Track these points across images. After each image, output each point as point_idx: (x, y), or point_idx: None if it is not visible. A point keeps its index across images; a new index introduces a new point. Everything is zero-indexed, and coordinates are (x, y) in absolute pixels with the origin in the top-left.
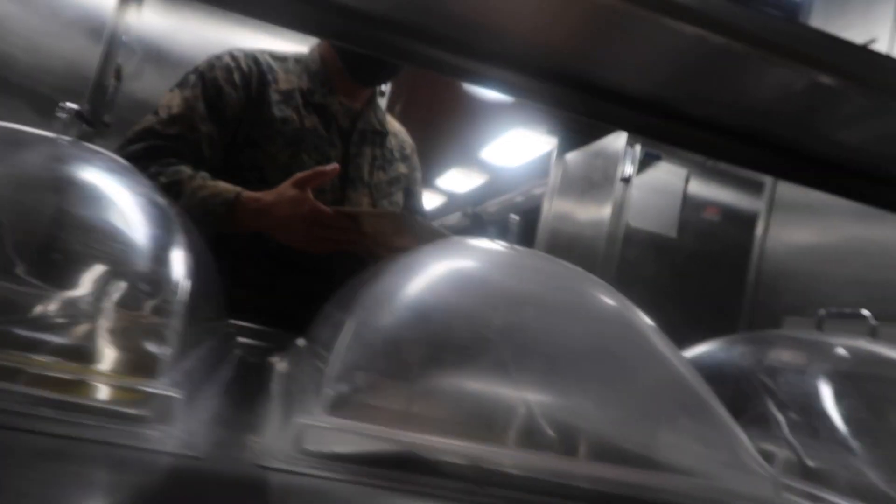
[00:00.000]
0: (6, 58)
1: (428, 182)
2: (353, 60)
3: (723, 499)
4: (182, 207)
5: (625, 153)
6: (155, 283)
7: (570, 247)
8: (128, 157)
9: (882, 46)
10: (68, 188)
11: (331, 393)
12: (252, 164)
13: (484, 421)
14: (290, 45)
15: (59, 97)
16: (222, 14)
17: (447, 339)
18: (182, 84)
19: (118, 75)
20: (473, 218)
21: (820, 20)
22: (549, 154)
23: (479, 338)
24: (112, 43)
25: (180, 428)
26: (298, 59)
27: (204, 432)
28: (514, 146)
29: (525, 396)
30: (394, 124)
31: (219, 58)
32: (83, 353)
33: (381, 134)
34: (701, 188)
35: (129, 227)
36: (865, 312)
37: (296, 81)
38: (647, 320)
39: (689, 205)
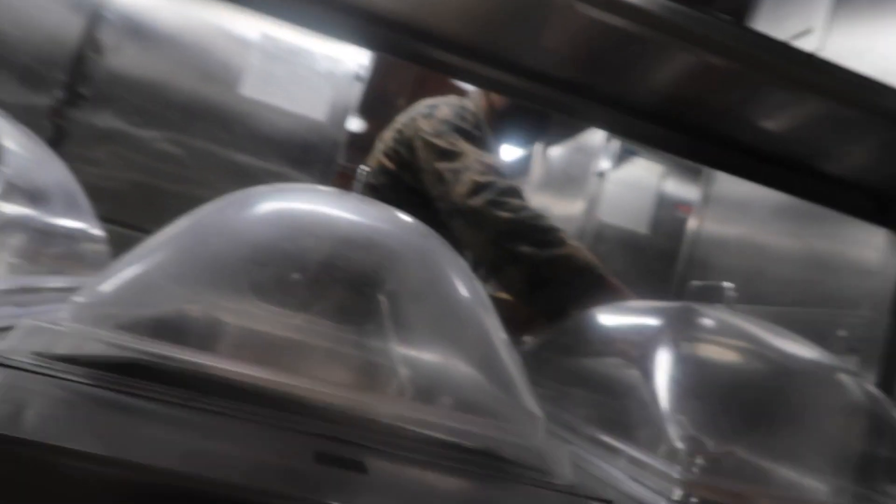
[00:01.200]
0: None
1: None
2: (508, 129)
3: (486, 433)
4: (556, 255)
5: (601, 148)
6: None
7: None
8: (502, 191)
9: (816, 37)
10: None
11: (78, 300)
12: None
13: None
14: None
15: (41, 69)
16: None
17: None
18: (469, 137)
19: (98, 49)
20: None
21: (759, 10)
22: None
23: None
24: (93, 17)
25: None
26: (471, 111)
27: None
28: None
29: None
30: None
31: (461, 106)
32: None
33: None
34: (676, 186)
35: None
36: (726, 284)
37: (473, 126)
38: (460, 262)
39: (663, 202)
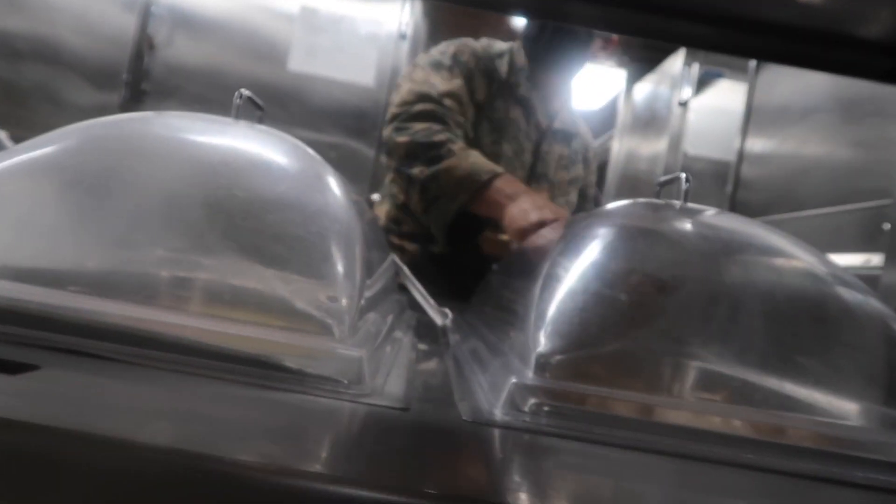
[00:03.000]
0: (58, 39)
1: None
2: (541, 58)
3: (270, 340)
4: (437, 172)
5: (682, 75)
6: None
7: (634, 188)
8: (409, 117)
9: None
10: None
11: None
12: (476, 227)
13: None
14: None
15: (106, 70)
16: None
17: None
18: (436, 65)
19: (151, 44)
20: None
21: None
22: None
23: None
24: (144, 15)
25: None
26: (510, 52)
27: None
28: (589, 86)
29: None
30: (580, 125)
31: (465, 44)
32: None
33: (571, 134)
34: None
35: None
36: (681, 175)
37: (507, 73)
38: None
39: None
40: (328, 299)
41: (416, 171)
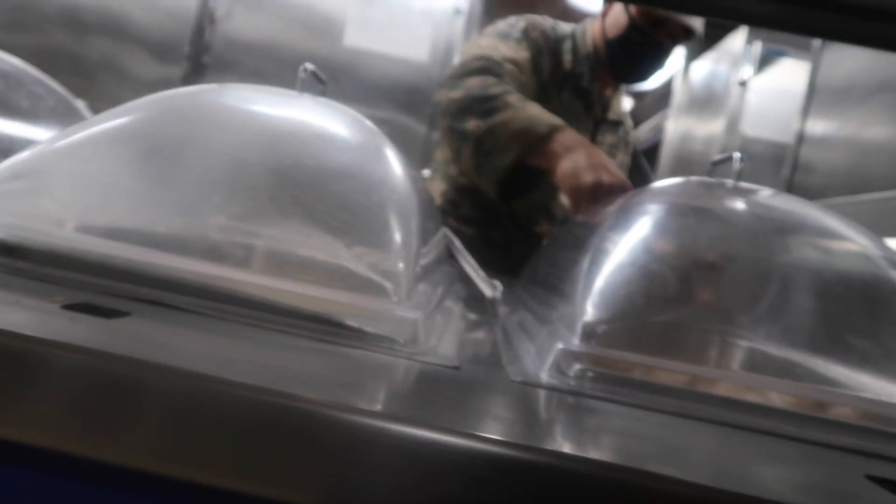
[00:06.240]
0: (123, 13)
1: None
2: (619, 62)
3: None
4: (493, 125)
5: (742, 53)
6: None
7: (687, 170)
8: (464, 73)
9: None
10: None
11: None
12: (529, 181)
13: None
14: None
15: (168, 43)
16: None
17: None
18: (504, 35)
19: (212, 19)
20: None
21: None
22: (676, 72)
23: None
24: None
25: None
26: (573, 38)
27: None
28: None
29: None
30: (623, 111)
31: (535, 20)
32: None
33: (618, 122)
34: None
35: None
36: (735, 155)
37: (571, 62)
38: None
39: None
40: (387, 264)
41: (471, 125)
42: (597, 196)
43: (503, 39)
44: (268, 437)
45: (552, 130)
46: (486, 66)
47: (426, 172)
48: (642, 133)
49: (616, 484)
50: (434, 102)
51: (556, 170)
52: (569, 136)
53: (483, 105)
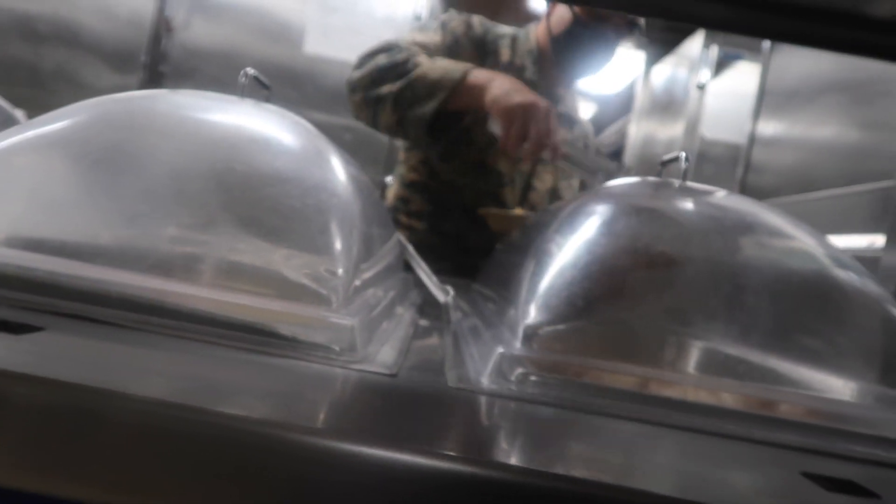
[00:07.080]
0: (78, 22)
1: None
2: (566, 57)
3: (264, 309)
4: (409, 81)
5: (700, 57)
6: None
7: (650, 174)
8: (367, 56)
9: None
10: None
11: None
12: (456, 122)
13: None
14: None
15: (124, 51)
16: None
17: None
18: (421, 28)
19: (169, 27)
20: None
21: None
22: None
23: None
24: None
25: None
26: (513, 37)
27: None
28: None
29: None
30: (580, 114)
31: (463, 17)
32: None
33: (573, 120)
34: None
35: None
36: (681, 154)
37: (510, 56)
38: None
39: None
40: (324, 270)
41: (385, 89)
42: (527, 116)
43: (419, 30)
44: (167, 454)
45: (468, 70)
46: (389, 46)
47: (389, 180)
48: (606, 137)
49: (542, 491)
50: (344, 85)
51: (483, 99)
52: (485, 72)
53: (394, 71)
